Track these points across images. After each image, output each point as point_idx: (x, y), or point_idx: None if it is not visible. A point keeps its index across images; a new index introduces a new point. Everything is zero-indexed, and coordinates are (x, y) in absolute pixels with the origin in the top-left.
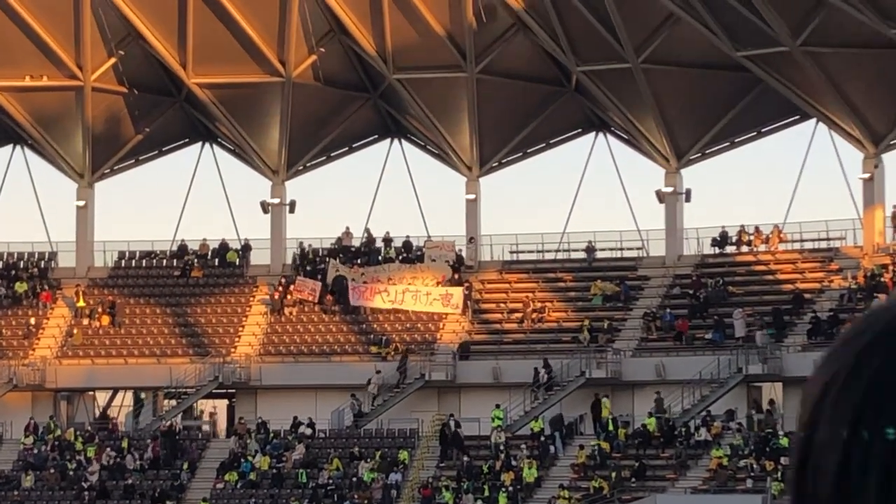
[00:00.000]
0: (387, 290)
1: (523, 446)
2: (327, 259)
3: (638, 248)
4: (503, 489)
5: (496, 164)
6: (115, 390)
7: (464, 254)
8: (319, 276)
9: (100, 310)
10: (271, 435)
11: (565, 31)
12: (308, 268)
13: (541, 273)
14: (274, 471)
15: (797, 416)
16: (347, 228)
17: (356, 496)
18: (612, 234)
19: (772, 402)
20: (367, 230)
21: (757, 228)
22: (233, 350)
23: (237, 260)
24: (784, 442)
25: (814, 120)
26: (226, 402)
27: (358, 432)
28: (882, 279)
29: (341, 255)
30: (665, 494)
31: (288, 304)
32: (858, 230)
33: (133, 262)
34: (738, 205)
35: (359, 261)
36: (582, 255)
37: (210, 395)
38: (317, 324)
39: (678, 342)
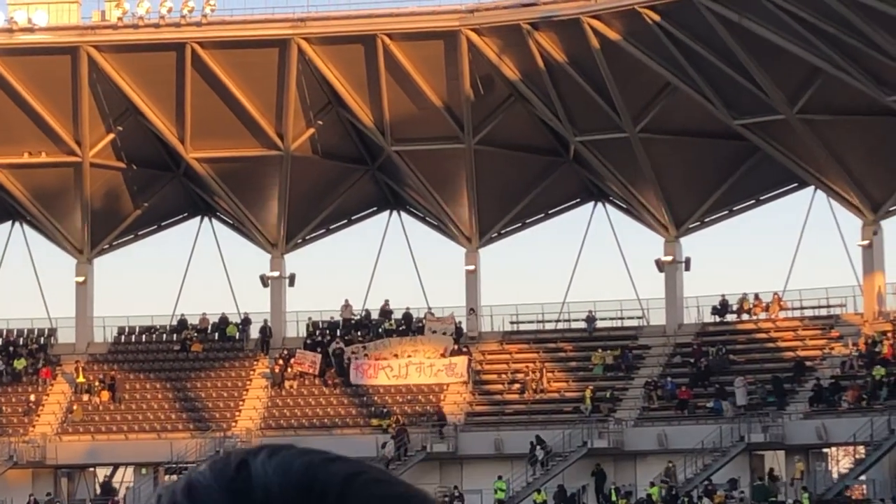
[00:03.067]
0: (390, 366)
1: None
2: (327, 332)
3: (638, 318)
4: None
5: (495, 234)
6: (116, 466)
7: (464, 325)
8: (319, 349)
9: (100, 385)
10: None
11: (562, 102)
12: (308, 341)
13: (541, 343)
14: None
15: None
16: (347, 301)
17: None
18: (612, 303)
19: (771, 470)
20: (365, 310)
21: (757, 296)
22: (234, 424)
23: (237, 334)
24: None
25: (812, 187)
26: None
27: None
28: (883, 346)
29: (341, 330)
30: None
31: (289, 378)
32: (858, 297)
33: (133, 337)
34: (738, 273)
35: (359, 334)
36: (582, 324)
37: None
38: (317, 397)
39: (680, 411)
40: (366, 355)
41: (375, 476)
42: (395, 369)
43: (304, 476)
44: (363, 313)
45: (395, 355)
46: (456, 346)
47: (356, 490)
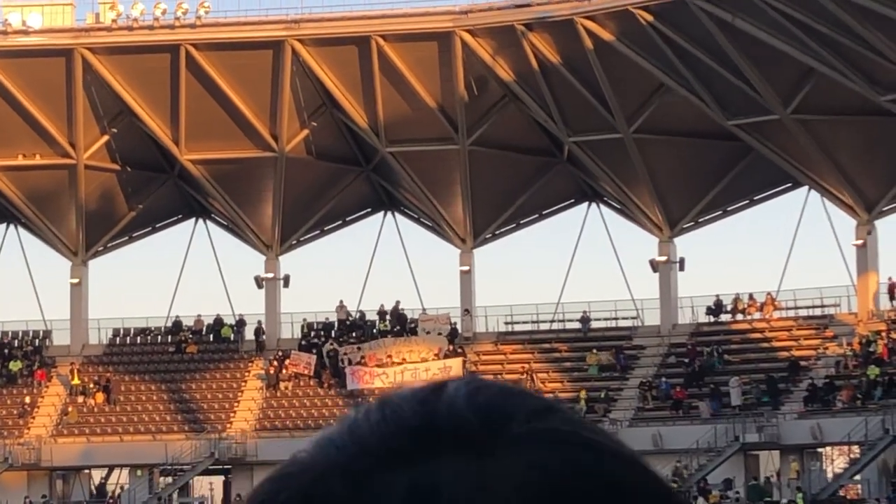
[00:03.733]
0: (385, 373)
1: None
2: (322, 333)
3: (633, 318)
4: None
5: (490, 235)
6: (111, 468)
7: (459, 325)
8: (314, 350)
9: (95, 387)
10: None
11: (556, 103)
12: (303, 342)
13: (536, 344)
14: None
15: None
16: (341, 302)
17: None
18: (606, 303)
19: (768, 478)
20: (359, 311)
21: (751, 296)
22: (229, 425)
23: (232, 335)
24: None
25: (806, 187)
26: (222, 478)
27: None
28: (877, 345)
29: (336, 331)
30: None
31: (283, 379)
32: (853, 297)
33: (128, 339)
34: (732, 273)
35: (354, 335)
36: (577, 325)
37: (206, 472)
38: (312, 398)
39: (675, 411)
40: (361, 357)
41: (569, 413)
42: (390, 376)
43: (492, 402)
44: (358, 314)
45: (390, 356)
46: (451, 347)
47: (543, 421)
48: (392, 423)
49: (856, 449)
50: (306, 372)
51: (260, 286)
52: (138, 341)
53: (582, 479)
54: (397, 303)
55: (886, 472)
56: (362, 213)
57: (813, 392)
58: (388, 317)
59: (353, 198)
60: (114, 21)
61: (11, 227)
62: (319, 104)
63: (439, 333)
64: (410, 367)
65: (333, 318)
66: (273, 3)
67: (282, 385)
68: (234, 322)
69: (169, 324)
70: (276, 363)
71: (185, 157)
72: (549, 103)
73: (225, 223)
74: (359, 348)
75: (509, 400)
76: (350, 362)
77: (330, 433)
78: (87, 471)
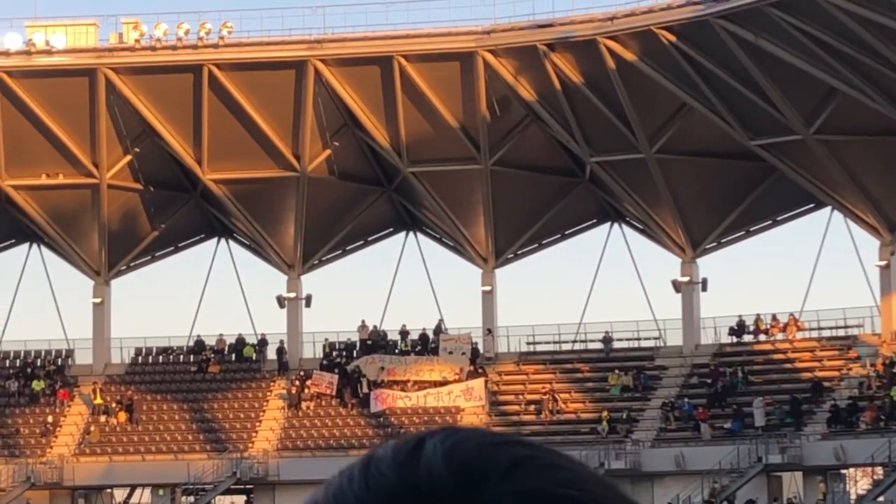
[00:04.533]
0: (408, 396)
1: None
2: (344, 353)
3: (655, 338)
4: None
5: (511, 255)
6: (133, 487)
7: (480, 346)
8: (337, 370)
9: (117, 407)
10: None
11: (578, 122)
12: (325, 361)
13: (558, 364)
14: None
15: None
16: (363, 321)
17: None
18: (628, 324)
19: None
20: (381, 330)
21: (774, 317)
22: (250, 445)
23: (254, 355)
24: None
25: (829, 208)
26: (244, 497)
27: None
28: None
29: (357, 351)
30: None
31: (305, 399)
32: (876, 317)
33: (150, 358)
34: (755, 293)
35: (375, 354)
36: (599, 345)
37: (228, 491)
38: (334, 417)
39: (697, 432)
40: (381, 368)
41: (546, 461)
42: (412, 399)
43: (468, 459)
44: (381, 333)
45: (411, 378)
46: (472, 367)
47: (520, 477)
48: (374, 490)
49: (879, 470)
50: (328, 392)
51: (282, 306)
52: (160, 361)
53: None
54: (440, 321)
55: None
56: (384, 232)
57: (836, 413)
58: (409, 337)
59: (374, 217)
60: (137, 41)
61: (35, 246)
62: (342, 124)
63: (462, 353)
64: (433, 392)
65: (355, 337)
66: (296, 23)
67: (304, 405)
68: (256, 342)
69: (191, 343)
70: (297, 383)
71: (207, 176)
72: (572, 123)
73: (247, 243)
74: (382, 368)
75: (486, 454)
76: (373, 384)
77: (315, 500)
78: (109, 490)
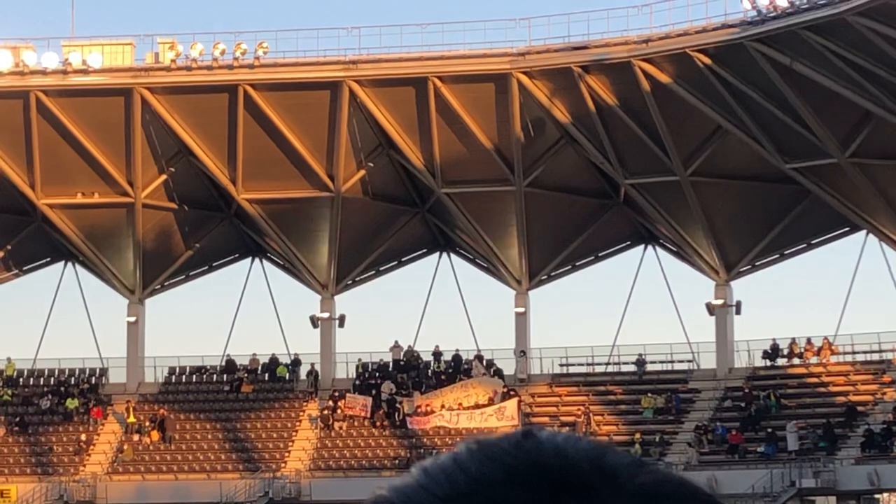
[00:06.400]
0: (442, 415)
1: None
2: (377, 374)
3: (688, 361)
4: None
5: (545, 277)
6: None
7: (514, 367)
8: (374, 391)
9: (150, 426)
10: None
11: (613, 144)
12: (358, 382)
13: (591, 386)
14: None
15: None
16: (396, 342)
17: None
18: (662, 346)
19: None
20: (414, 352)
21: (808, 340)
22: (283, 465)
23: (287, 375)
24: None
25: (864, 231)
26: None
27: None
28: None
29: (391, 372)
30: None
31: (338, 419)
32: None
33: (183, 377)
34: (789, 317)
35: (410, 382)
36: (632, 367)
37: None
38: (366, 438)
39: (731, 455)
40: (416, 407)
41: (661, 470)
42: (446, 417)
43: (593, 453)
44: (416, 355)
45: (443, 405)
46: (505, 389)
47: (647, 468)
48: (493, 465)
49: None
50: (363, 414)
51: (315, 326)
52: (194, 380)
53: None
54: (481, 354)
55: None
56: (418, 253)
57: (870, 438)
58: (442, 358)
59: (408, 238)
60: (173, 61)
61: (69, 264)
62: (376, 144)
63: (494, 374)
64: (466, 413)
65: (388, 358)
66: (331, 44)
67: (336, 425)
68: (289, 361)
69: (224, 363)
70: (330, 403)
71: (241, 196)
72: (606, 145)
73: (281, 262)
74: (411, 402)
75: (605, 451)
76: (408, 414)
77: (418, 477)
78: None
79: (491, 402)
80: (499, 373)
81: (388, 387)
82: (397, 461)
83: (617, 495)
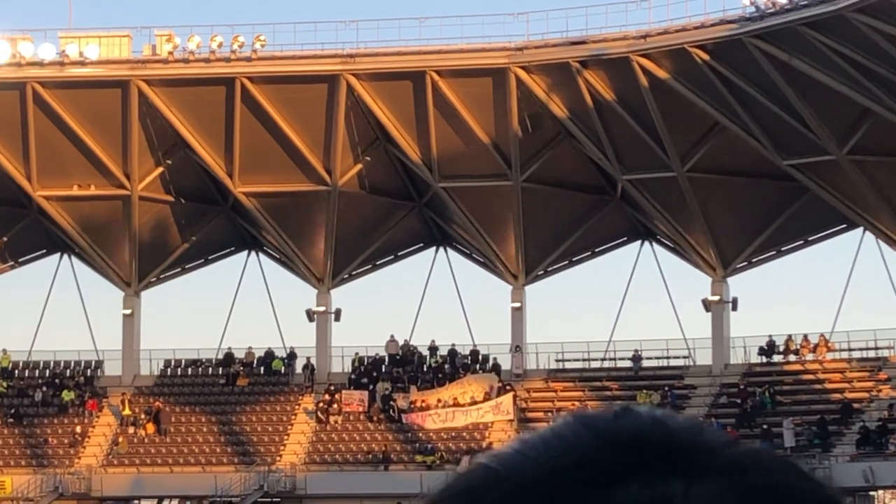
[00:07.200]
0: (437, 413)
1: None
2: (372, 369)
3: (684, 357)
4: None
5: (542, 272)
6: (161, 499)
7: (509, 362)
8: (371, 385)
9: (145, 418)
10: None
11: (610, 140)
12: (353, 376)
13: (587, 382)
14: None
15: None
16: (392, 336)
17: None
18: (658, 342)
19: None
20: (411, 346)
21: (805, 337)
22: (278, 458)
23: (283, 368)
24: None
25: (861, 229)
26: None
27: None
28: None
29: (386, 366)
30: None
31: (333, 413)
32: None
33: (179, 370)
34: (786, 314)
35: (405, 377)
36: (628, 363)
37: None
38: (362, 432)
39: None
40: (411, 403)
41: (753, 446)
42: (442, 415)
43: (692, 428)
44: (412, 349)
45: (440, 400)
46: (500, 384)
47: (738, 450)
48: (590, 434)
49: None
50: (360, 409)
51: (311, 320)
52: (189, 373)
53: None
54: (477, 349)
55: None
56: (414, 248)
57: (865, 435)
58: (438, 353)
59: (405, 233)
60: (170, 53)
61: (65, 256)
62: (373, 138)
63: (491, 370)
64: (462, 410)
65: (384, 352)
66: (329, 37)
67: (332, 419)
68: (285, 355)
69: (220, 356)
70: (326, 397)
71: (238, 189)
72: (604, 141)
73: (277, 256)
74: (406, 398)
75: (702, 427)
76: (403, 410)
77: (516, 445)
78: (136, 501)
79: (487, 397)
80: (495, 368)
81: (383, 387)
82: (393, 456)
83: (711, 466)
